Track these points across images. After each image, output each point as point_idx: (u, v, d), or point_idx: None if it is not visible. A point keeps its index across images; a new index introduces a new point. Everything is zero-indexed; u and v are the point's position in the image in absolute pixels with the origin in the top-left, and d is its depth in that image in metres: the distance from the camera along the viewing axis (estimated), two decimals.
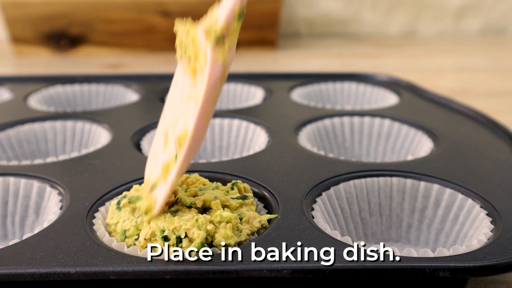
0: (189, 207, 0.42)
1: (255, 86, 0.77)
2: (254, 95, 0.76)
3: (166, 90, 0.76)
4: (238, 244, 0.39)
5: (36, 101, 0.73)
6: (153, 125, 0.62)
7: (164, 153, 0.42)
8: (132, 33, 1.14)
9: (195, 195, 0.43)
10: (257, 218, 0.42)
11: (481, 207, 0.45)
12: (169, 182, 0.40)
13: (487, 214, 0.44)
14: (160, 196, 0.41)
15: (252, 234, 0.41)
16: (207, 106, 0.39)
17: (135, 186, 0.46)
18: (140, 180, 0.49)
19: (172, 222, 0.39)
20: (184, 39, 0.40)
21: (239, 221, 0.41)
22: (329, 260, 0.37)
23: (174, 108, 0.42)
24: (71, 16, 1.11)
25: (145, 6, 1.11)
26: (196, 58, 0.39)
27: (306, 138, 0.60)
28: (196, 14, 1.21)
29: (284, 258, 0.37)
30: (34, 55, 1.15)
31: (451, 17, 1.33)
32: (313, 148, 0.57)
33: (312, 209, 0.45)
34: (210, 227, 0.39)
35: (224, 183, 0.48)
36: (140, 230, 0.41)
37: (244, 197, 0.44)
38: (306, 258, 0.37)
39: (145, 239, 0.39)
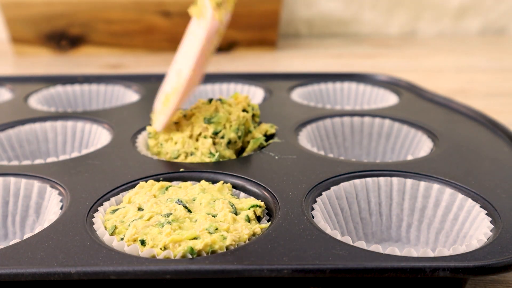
0: None
1: (255, 86, 0.77)
2: (254, 95, 0.76)
3: None
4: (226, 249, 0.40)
5: (37, 101, 0.73)
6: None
7: (168, 87, 0.56)
8: (132, 33, 1.14)
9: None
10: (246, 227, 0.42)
11: (481, 207, 0.45)
12: (170, 106, 0.54)
13: (486, 214, 0.44)
14: (162, 117, 0.55)
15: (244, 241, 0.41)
16: (205, 49, 0.52)
17: (141, 183, 0.47)
18: (140, 180, 0.49)
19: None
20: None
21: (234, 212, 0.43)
22: (329, 260, 0.37)
23: (185, 53, 0.55)
24: (71, 16, 1.11)
25: (145, 6, 1.11)
26: (202, 14, 0.53)
27: (306, 138, 0.60)
28: None
29: (284, 258, 0.37)
30: (34, 55, 1.15)
31: (451, 17, 1.33)
32: (313, 148, 0.57)
33: (312, 209, 0.45)
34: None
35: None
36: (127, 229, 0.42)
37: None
38: (306, 258, 0.37)
39: (128, 240, 0.40)
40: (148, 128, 0.57)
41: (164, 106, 0.55)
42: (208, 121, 0.54)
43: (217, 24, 0.52)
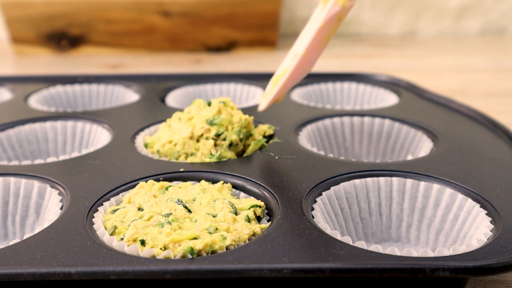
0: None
1: (255, 86, 0.77)
2: (254, 95, 0.76)
3: (166, 90, 0.76)
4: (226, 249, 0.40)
5: (37, 101, 0.73)
6: (153, 125, 0.62)
7: (280, 70, 0.55)
8: (132, 33, 1.14)
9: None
10: (246, 228, 0.42)
11: (480, 207, 0.45)
12: (278, 87, 0.54)
13: (486, 214, 0.44)
14: (268, 96, 0.55)
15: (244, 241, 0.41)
16: (322, 32, 0.51)
17: (141, 183, 0.47)
18: (140, 180, 0.49)
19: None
20: None
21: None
22: (329, 260, 0.37)
23: (303, 38, 0.54)
24: (71, 16, 1.11)
25: (145, 6, 1.11)
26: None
27: (306, 138, 0.60)
28: (196, 14, 1.21)
29: (284, 258, 0.37)
30: (34, 55, 1.15)
31: (451, 17, 1.33)
32: (313, 148, 0.57)
33: (312, 209, 0.45)
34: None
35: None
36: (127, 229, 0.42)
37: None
38: (306, 258, 0.37)
39: (128, 240, 0.40)
40: (146, 138, 0.58)
41: (272, 87, 0.55)
42: (211, 123, 0.54)
43: (339, 8, 0.50)
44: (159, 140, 0.56)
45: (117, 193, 0.47)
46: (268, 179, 0.49)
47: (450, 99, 0.69)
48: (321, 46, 0.53)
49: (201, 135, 0.54)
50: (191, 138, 0.54)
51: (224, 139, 0.54)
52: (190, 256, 0.38)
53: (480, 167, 0.51)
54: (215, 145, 0.54)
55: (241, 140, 0.54)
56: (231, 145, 0.54)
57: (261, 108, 0.55)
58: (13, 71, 1.06)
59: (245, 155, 0.55)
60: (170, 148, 0.54)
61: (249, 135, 0.56)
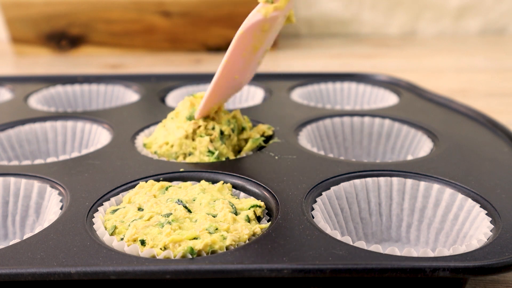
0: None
1: (255, 86, 0.77)
2: (254, 95, 0.76)
3: (166, 90, 0.76)
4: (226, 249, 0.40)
5: (37, 101, 0.73)
6: (153, 125, 0.62)
7: None
8: (132, 33, 1.14)
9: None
10: (246, 227, 0.42)
11: (480, 207, 0.45)
12: (205, 95, 0.52)
13: (486, 214, 0.44)
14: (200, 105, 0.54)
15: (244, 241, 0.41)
16: (242, 42, 0.48)
17: (141, 183, 0.47)
18: (140, 180, 0.49)
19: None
20: None
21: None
22: (329, 260, 0.37)
23: None
24: (71, 16, 1.11)
25: (145, 6, 1.11)
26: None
27: (306, 138, 0.60)
28: (196, 14, 1.21)
29: (284, 258, 0.37)
30: (34, 55, 1.15)
31: (451, 17, 1.33)
32: (313, 148, 0.57)
33: (312, 209, 0.45)
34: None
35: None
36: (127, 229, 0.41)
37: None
38: (306, 258, 0.37)
39: (128, 240, 0.40)
40: (144, 139, 0.58)
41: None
42: (190, 118, 0.54)
43: (260, 17, 0.47)
44: (156, 141, 0.56)
45: (117, 193, 0.47)
46: (268, 179, 0.49)
47: (450, 99, 0.69)
48: (248, 57, 0.50)
49: (194, 132, 0.54)
50: (186, 137, 0.54)
51: (213, 128, 0.54)
52: (190, 256, 0.38)
53: (480, 167, 0.51)
54: (211, 141, 0.54)
55: (233, 130, 0.55)
56: (222, 134, 0.54)
57: (196, 116, 0.54)
58: (13, 71, 1.06)
59: (242, 153, 0.55)
60: (167, 150, 0.54)
61: (242, 129, 0.56)
